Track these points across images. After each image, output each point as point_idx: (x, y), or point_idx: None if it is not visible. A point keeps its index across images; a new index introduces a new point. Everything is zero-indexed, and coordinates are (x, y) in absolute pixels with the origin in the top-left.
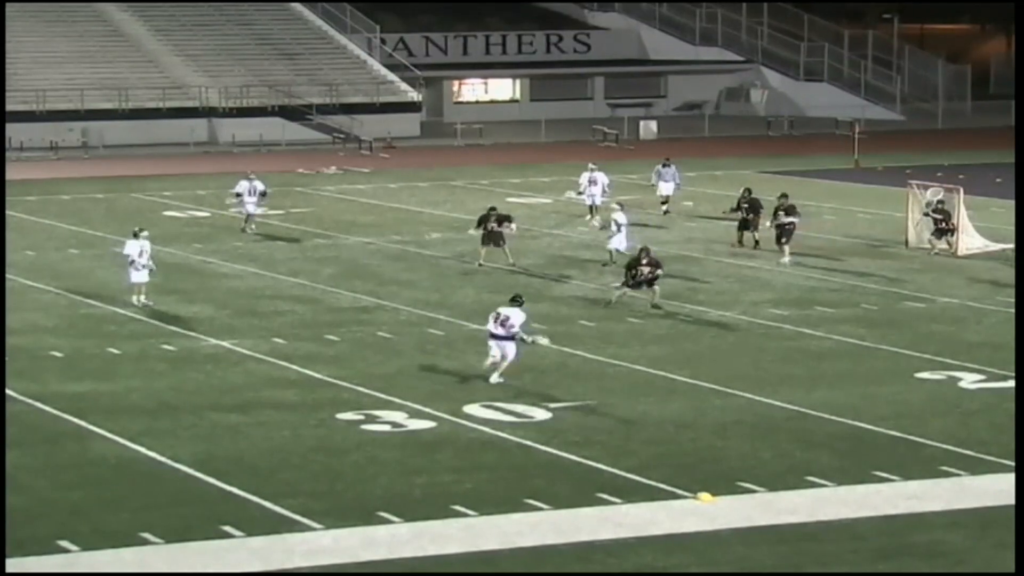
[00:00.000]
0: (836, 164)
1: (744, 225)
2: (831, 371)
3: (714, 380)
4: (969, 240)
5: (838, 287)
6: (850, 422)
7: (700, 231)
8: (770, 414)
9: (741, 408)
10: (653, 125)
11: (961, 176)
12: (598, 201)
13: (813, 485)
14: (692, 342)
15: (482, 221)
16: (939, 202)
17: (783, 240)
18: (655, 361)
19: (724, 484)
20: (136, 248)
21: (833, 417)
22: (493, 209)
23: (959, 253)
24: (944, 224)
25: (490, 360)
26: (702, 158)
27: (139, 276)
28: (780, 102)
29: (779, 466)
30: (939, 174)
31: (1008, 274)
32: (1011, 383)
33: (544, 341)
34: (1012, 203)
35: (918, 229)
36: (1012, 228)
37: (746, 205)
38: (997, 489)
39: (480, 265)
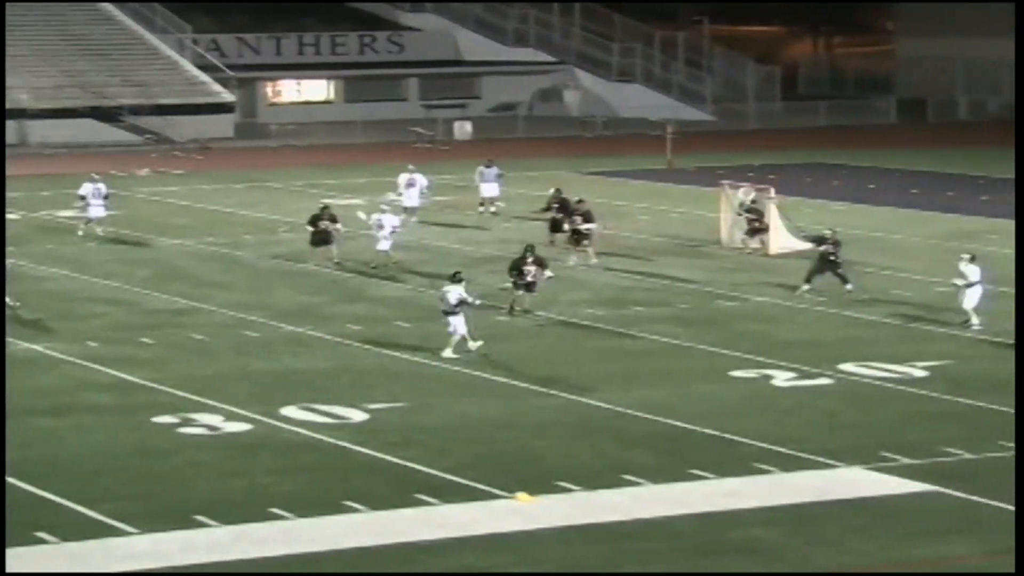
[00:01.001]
0: (649, 164)
1: (555, 226)
2: (647, 370)
3: (532, 380)
4: (781, 239)
5: (653, 287)
6: (667, 421)
7: (516, 231)
8: (588, 414)
9: (559, 408)
10: (468, 126)
11: (772, 176)
12: (416, 203)
13: (631, 484)
14: (510, 343)
15: (314, 220)
16: (752, 201)
17: (584, 244)
18: (473, 362)
19: (543, 484)
20: None
21: (650, 416)
22: (326, 208)
23: (771, 252)
24: (757, 223)
25: (453, 340)
26: (517, 159)
27: None
28: (593, 103)
29: (597, 465)
30: (750, 174)
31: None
32: (824, 380)
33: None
34: (822, 202)
35: (731, 229)
36: (822, 227)
37: (556, 205)
38: (811, 486)
39: (337, 264)
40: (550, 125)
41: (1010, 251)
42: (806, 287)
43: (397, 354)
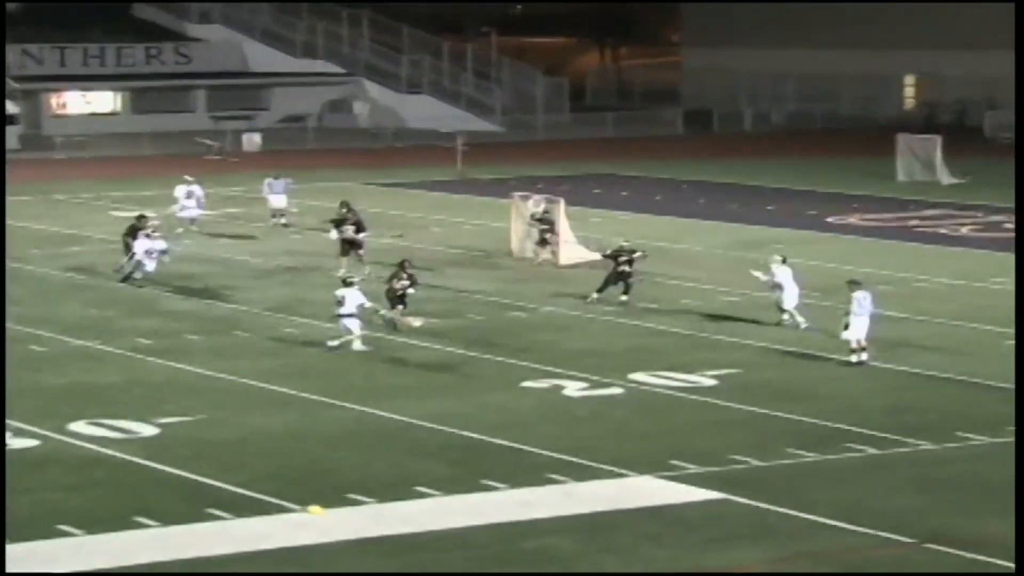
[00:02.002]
0: (441, 175)
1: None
2: (440, 382)
3: (325, 392)
4: (571, 250)
5: (445, 298)
6: (460, 432)
7: (305, 243)
8: (381, 425)
9: (352, 420)
10: (257, 137)
11: (562, 187)
12: (195, 213)
13: (424, 495)
14: (302, 355)
15: (133, 231)
16: (544, 212)
17: (359, 252)
18: (265, 374)
19: (336, 496)
20: None
21: (443, 427)
22: (142, 218)
23: (561, 263)
24: (548, 233)
25: (340, 341)
26: (306, 170)
27: None
28: (383, 114)
29: (390, 477)
30: (540, 185)
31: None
32: (615, 390)
33: (388, 314)
34: (610, 213)
35: (522, 240)
36: (613, 238)
37: (348, 217)
38: (603, 494)
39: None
40: (340, 136)
41: (799, 260)
42: (595, 296)
43: (188, 367)
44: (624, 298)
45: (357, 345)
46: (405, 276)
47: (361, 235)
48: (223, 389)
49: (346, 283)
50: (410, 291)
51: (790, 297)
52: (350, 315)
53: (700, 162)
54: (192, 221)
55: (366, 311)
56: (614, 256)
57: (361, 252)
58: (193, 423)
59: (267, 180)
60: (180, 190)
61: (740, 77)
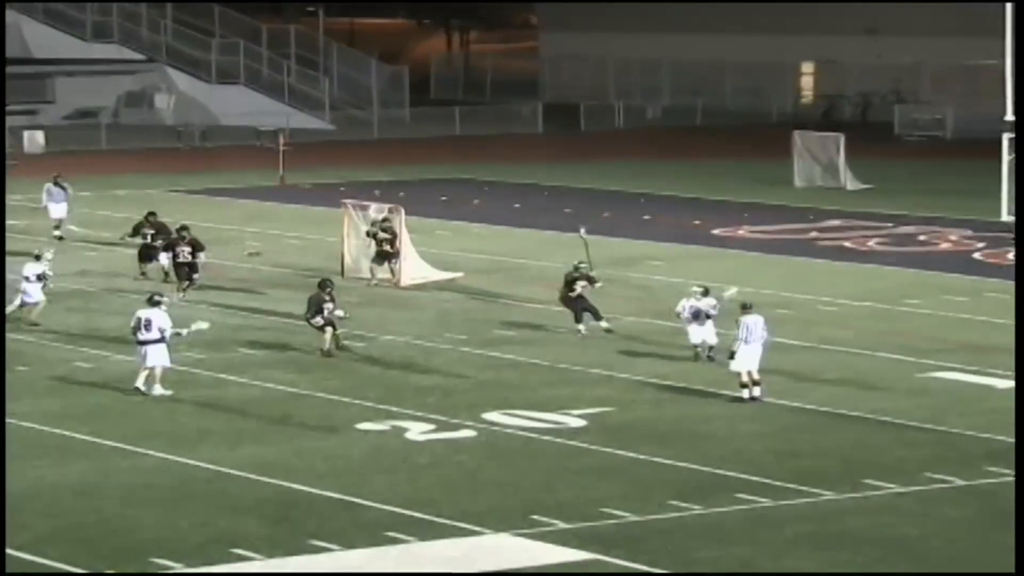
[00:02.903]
0: (258, 181)
1: (147, 254)
2: (259, 424)
3: (120, 437)
4: (413, 268)
5: (265, 325)
6: (281, 483)
7: (100, 260)
8: (188, 476)
9: (153, 470)
10: (40, 136)
11: (401, 193)
12: None
13: (240, 558)
14: (94, 394)
15: None
16: (384, 220)
17: (194, 277)
18: (50, 416)
19: (135, 560)
20: None
21: (262, 478)
22: None
23: (402, 283)
24: (390, 247)
25: (143, 374)
26: (100, 175)
27: None
28: (191, 108)
29: (200, 537)
30: (377, 192)
31: (460, 307)
32: (465, 432)
33: (204, 325)
34: (460, 224)
35: (356, 256)
36: (463, 254)
37: (151, 231)
38: (450, 556)
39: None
40: (139, 135)
41: (679, 280)
42: (581, 327)
43: None
44: (605, 325)
45: (157, 390)
46: (328, 296)
47: (200, 256)
48: None
49: (152, 302)
50: (338, 313)
51: (707, 329)
52: (155, 341)
53: (564, 165)
54: None
55: (173, 338)
56: (569, 283)
57: (196, 277)
58: None
59: (47, 186)
60: None
61: (608, 66)
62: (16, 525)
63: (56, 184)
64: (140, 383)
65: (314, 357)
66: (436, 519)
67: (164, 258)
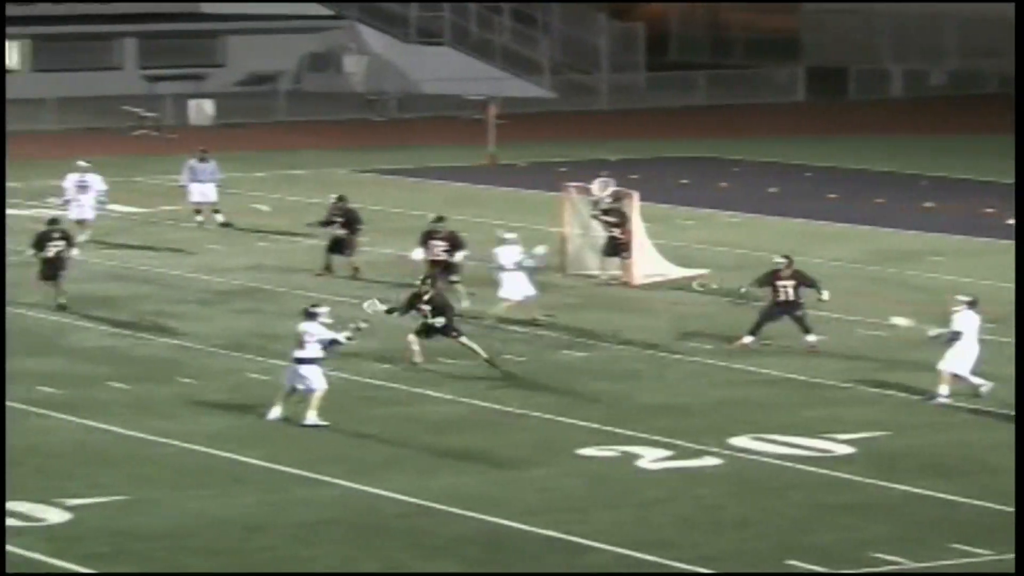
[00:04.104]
0: (463, 159)
1: (336, 246)
2: (460, 448)
3: (297, 463)
4: (648, 264)
5: (469, 330)
6: (485, 518)
7: (274, 253)
8: (375, 509)
9: (334, 502)
10: (208, 106)
11: (634, 175)
12: (90, 214)
13: None
14: (262, 409)
15: (42, 241)
16: (611, 200)
17: (451, 279)
18: (215, 438)
19: None
20: None
21: (461, 511)
22: (55, 223)
23: (634, 282)
24: (619, 231)
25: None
26: (276, 151)
27: None
28: (385, 74)
29: None
30: (604, 172)
31: (699, 311)
32: (707, 460)
33: (380, 306)
34: (704, 211)
35: (579, 248)
36: (707, 247)
37: (340, 219)
38: None
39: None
40: (324, 104)
41: (954, 278)
42: (748, 340)
43: (107, 427)
44: (812, 339)
45: (311, 418)
46: (427, 296)
47: (458, 256)
48: (154, 459)
49: (308, 314)
50: (437, 321)
51: (966, 357)
52: (310, 360)
53: (829, 140)
54: (83, 224)
55: (334, 348)
56: (769, 280)
57: (455, 280)
58: (111, 506)
59: (189, 162)
60: (70, 181)
61: (883, 23)
62: (172, 566)
63: (201, 160)
64: (278, 412)
65: (528, 368)
66: (669, 563)
67: (418, 253)
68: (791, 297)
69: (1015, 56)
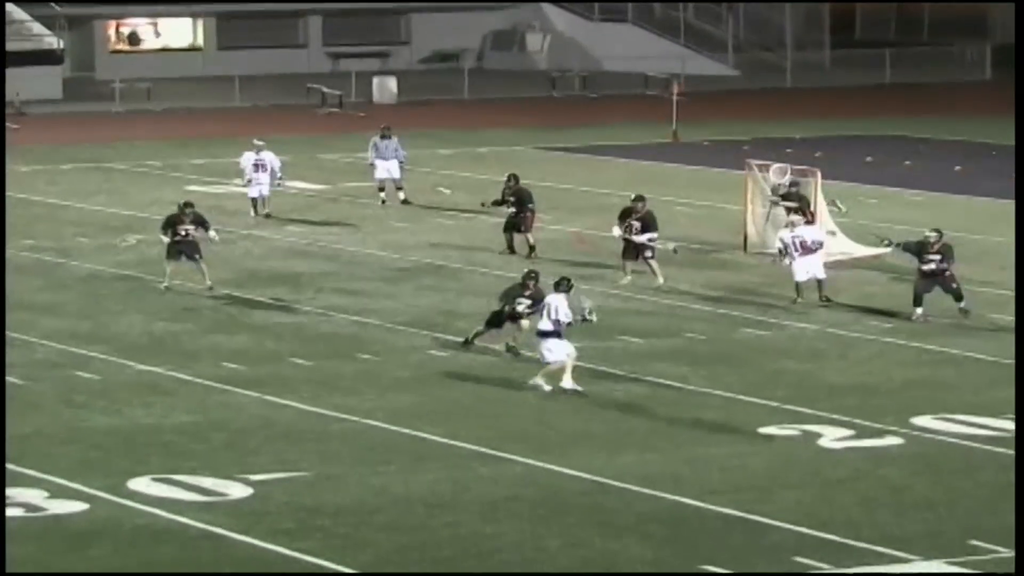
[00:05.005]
0: (646, 137)
1: (513, 225)
2: (642, 426)
3: (480, 440)
4: (831, 243)
5: (652, 309)
6: (669, 497)
7: (457, 231)
8: (559, 487)
9: (517, 479)
10: (392, 83)
11: (818, 154)
12: (266, 191)
13: None
14: (449, 387)
15: (172, 223)
16: (791, 184)
17: (647, 256)
18: (398, 415)
19: None
20: None
21: (645, 490)
22: (189, 206)
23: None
24: (801, 215)
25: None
26: (461, 129)
27: None
28: (568, 51)
29: (571, 560)
30: (788, 150)
31: (885, 290)
32: (890, 440)
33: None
34: (888, 190)
35: (762, 227)
36: (892, 225)
37: (512, 198)
38: None
39: (167, 288)
40: (507, 82)
41: None
42: (919, 312)
43: (291, 404)
44: (963, 306)
45: (567, 382)
46: (528, 292)
47: (646, 236)
48: (338, 435)
49: (559, 287)
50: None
51: None
52: (554, 333)
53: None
54: (263, 201)
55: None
56: (918, 250)
57: (649, 256)
58: (296, 482)
59: (373, 140)
60: (247, 159)
61: None
62: (357, 542)
63: (383, 137)
64: (541, 380)
65: (710, 348)
66: (854, 543)
67: (616, 231)
68: (935, 268)
69: (1015, 56)
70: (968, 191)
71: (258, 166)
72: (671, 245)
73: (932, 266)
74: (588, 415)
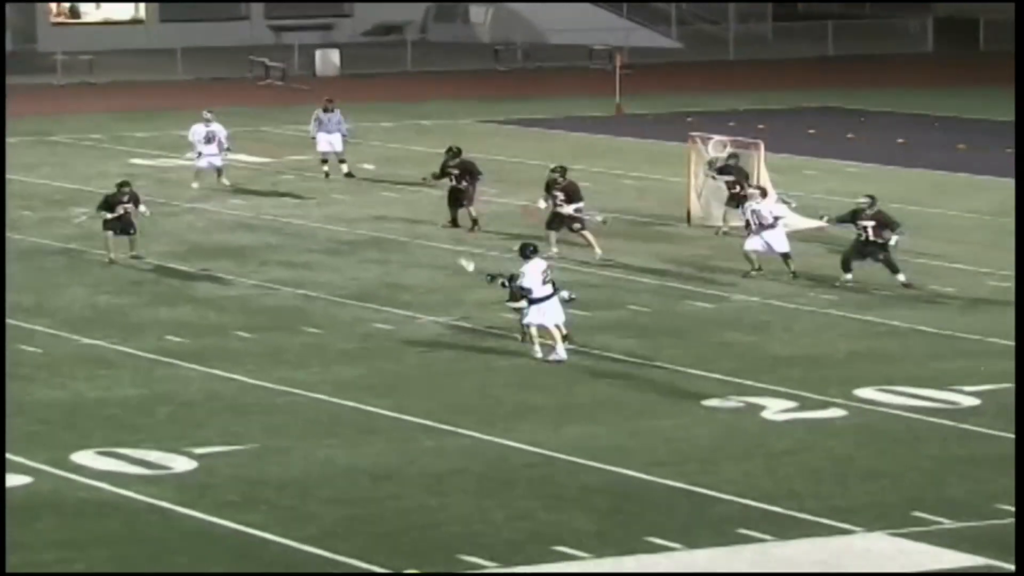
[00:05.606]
0: (590, 110)
1: (455, 198)
2: (588, 398)
3: (426, 413)
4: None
5: (597, 282)
6: (614, 469)
7: (400, 204)
8: (504, 460)
9: (463, 452)
10: (334, 56)
11: (761, 126)
12: (217, 162)
13: (564, 557)
14: (395, 360)
15: (109, 203)
16: (729, 157)
17: (577, 228)
18: (343, 388)
19: (441, 558)
20: None
21: (591, 463)
22: (126, 185)
23: None
24: (739, 189)
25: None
26: (404, 101)
27: None
28: (512, 23)
29: (517, 532)
30: (731, 123)
31: (829, 262)
32: (834, 411)
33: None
34: (831, 162)
35: (705, 199)
36: (833, 197)
37: (455, 171)
38: (815, 559)
39: (111, 261)
40: (450, 54)
41: None
42: (847, 277)
43: (236, 377)
44: (901, 278)
45: (560, 352)
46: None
47: (570, 207)
48: (283, 408)
49: (524, 254)
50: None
51: None
52: (544, 298)
53: (959, 91)
54: (219, 172)
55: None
56: (851, 218)
57: (576, 227)
58: (241, 455)
59: (316, 113)
60: (196, 131)
61: None
62: (302, 515)
63: (326, 110)
64: (535, 348)
65: (653, 320)
66: (797, 515)
67: (542, 203)
68: (871, 237)
69: (1015, 55)
70: (911, 163)
71: (209, 138)
72: (599, 216)
73: (868, 233)
74: (533, 388)
